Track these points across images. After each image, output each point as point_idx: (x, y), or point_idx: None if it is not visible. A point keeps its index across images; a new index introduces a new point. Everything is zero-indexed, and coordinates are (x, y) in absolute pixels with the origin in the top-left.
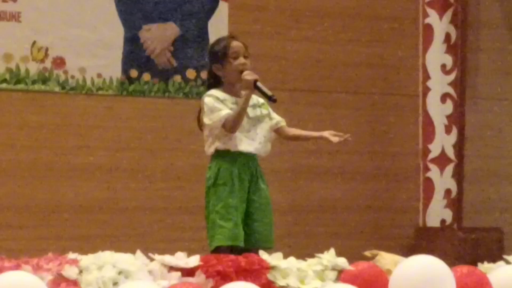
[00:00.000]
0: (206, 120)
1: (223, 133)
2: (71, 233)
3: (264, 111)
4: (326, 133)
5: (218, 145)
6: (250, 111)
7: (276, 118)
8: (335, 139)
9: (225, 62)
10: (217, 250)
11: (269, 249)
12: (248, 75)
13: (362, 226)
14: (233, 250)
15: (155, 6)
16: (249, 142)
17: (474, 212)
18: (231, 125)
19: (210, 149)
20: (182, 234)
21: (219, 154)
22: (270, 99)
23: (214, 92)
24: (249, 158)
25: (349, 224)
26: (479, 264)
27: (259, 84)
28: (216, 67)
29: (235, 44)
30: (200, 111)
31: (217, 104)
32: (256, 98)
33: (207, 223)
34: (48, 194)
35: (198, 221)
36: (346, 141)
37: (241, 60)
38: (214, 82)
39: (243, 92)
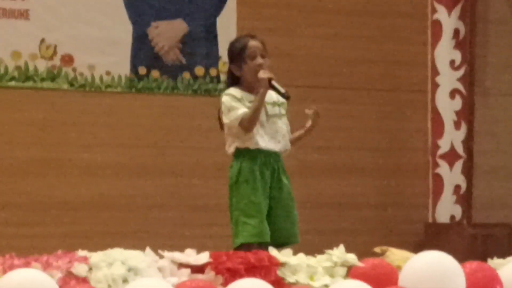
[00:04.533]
0: (224, 119)
1: (242, 132)
2: (80, 230)
3: (283, 111)
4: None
5: (238, 144)
6: (269, 109)
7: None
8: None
9: (242, 62)
10: (243, 247)
11: (294, 245)
12: (263, 74)
13: (372, 222)
14: (261, 246)
15: (164, 3)
16: (268, 139)
17: (483, 208)
18: (247, 124)
19: (230, 148)
20: (192, 231)
21: (240, 153)
22: (283, 96)
23: (232, 91)
24: (269, 154)
25: (358, 220)
26: (489, 260)
27: (273, 82)
28: (234, 66)
29: (253, 44)
30: (220, 111)
31: (234, 103)
32: (276, 97)
33: (231, 221)
34: (58, 191)
35: (207, 218)
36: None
37: (258, 60)
38: (233, 80)
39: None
